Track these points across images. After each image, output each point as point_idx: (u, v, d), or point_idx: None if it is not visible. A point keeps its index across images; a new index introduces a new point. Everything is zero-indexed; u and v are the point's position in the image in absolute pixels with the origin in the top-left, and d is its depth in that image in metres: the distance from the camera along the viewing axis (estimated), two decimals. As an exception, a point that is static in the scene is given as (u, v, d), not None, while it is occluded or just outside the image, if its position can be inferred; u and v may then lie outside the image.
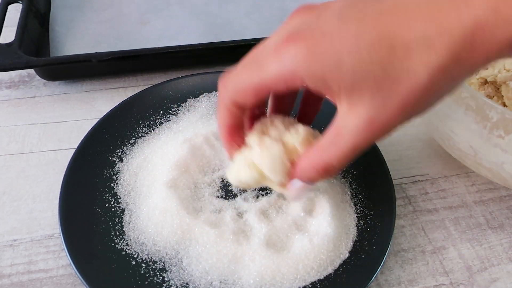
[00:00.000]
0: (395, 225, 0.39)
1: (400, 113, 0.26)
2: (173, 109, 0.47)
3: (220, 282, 0.35)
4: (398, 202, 0.43)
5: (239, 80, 0.29)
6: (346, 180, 0.42)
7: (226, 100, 0.31)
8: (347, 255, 0.37)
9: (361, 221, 0.39)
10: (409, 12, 0.24)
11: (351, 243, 0.38)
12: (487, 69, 0.45)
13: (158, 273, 0.36)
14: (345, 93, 0.26)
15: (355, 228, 0.39)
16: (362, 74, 0.25)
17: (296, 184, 0.32)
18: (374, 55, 0.24)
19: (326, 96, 0.31)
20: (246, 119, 0.34)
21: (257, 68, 0.28)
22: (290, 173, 0.32)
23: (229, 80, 0.30)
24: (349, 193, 0.41)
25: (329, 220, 0.38)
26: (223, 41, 0.53)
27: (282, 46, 0.27)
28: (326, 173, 0.30)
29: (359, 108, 0.26)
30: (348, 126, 0.27)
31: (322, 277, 0.36)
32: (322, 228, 0.37)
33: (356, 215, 0.40)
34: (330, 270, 0.36)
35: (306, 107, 0.36)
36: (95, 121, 0.44)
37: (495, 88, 0.45)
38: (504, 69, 0.44)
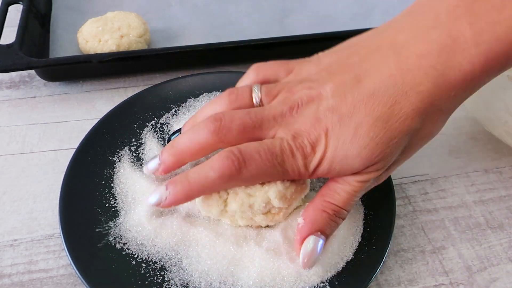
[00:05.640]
0: (395, 225, 0.39)
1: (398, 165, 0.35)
2: (173, 109, 0.47)
3: (220, 283, 0.35)
4: (398, 202, 0.43)
5: (258, 170, 0.32)
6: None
7: (235, 185, 0.34)
8: (351, 257, 0.37)
9: (360, 221, 0.39)
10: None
11: (357, 245, 0.37)
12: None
13: (158, 273, 0.36)
14: (356, 170, 0.32)
15: (361, 229, 0.39)
16: (368, 157, 0.31)
17: (307, 241, 0.33)
18: (375, 139, 0.31)
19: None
20: None
21: (279, 163, 0.32)
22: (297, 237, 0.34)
23: (246, 166, 0.31)
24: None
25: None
26: (223, 42, 0.53)
27: (295, 148, 0.32)
28: (337, 215, 0.33)
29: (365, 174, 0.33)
30: (353, 179, 0.33)
31: (323, 279, 0.36)
32: None
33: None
34: (333, 272, 0.36)
35: None
36: (95, 121, 0.44)
37: None
38: None
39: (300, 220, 0.34)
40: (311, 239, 0.33)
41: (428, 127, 0.32)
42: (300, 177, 0.33)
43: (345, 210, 0.34)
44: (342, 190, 0.33)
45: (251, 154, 0.31)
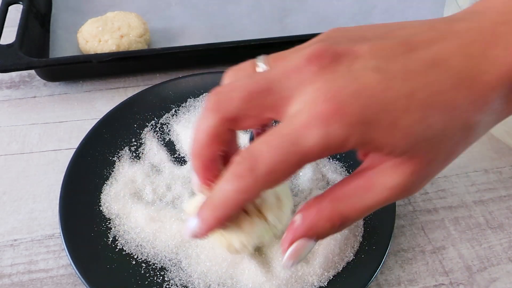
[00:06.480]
0: (395, 225, 0.39)
1: (437, 172, 0.26)
2: (173, 109, 0.47)
3: (218, 285, 0.35)
4: (398, 202, 0.43)
5: (272, 162, 0.24)
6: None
7: (255, 189, 0.25)
8: (352, 258, 0.37)
9: (361, 221, 0.39)
10: (451, 69, 0.24)
11: (358, 245, 0.37)
12: None
13: (158, 273, 0.36)
14: (398, 154, 0.24)
15: (362, 229, 0.39)
16: (418, 137, 0.23)
17: (298, 243, 0.26)
18: (430, 117, 0.23)
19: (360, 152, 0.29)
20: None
21: (292, 142, 0.23)
22: (287, 232, 0.27)
23: (257, 163, 0.24)
24: None
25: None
26: (223, 42, 0.53)
27: (322, 113, 0.23)
28: (341, 226, 0.26)
29: (405, 168, 0.24)
30: (385, 183, 0.25)
31: (323, 280, 0.36)
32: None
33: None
34: (333, 272, 0.36)
35: None
36: (95, 121, 0.44)
37: None
38: None
39: (298, 217, 0.27)
40: (301, 242, 0.26)
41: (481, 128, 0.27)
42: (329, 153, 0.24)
43: (354, 222, 0.27)
44: (362, 201, 0.25)
45: (259, 147, 0.24)
